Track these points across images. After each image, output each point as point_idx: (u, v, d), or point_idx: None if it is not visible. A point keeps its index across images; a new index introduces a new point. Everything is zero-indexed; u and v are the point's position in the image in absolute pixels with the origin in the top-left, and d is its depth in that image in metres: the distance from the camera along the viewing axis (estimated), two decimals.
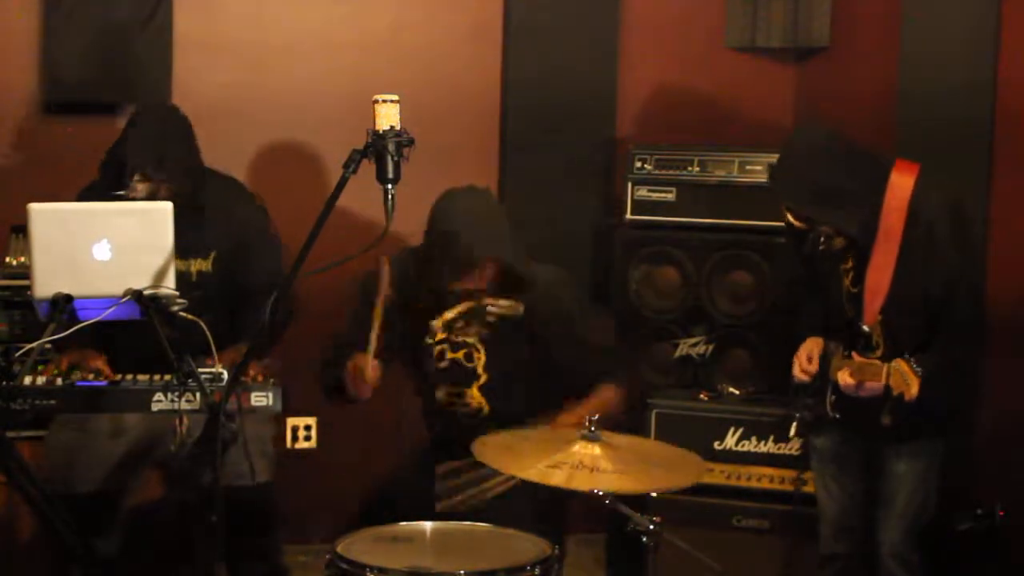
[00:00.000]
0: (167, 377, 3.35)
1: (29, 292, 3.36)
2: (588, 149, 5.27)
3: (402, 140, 2.95)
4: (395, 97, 2.97)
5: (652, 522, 3.15)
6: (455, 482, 3.77)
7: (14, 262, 4.50)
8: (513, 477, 3.50)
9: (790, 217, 3.81)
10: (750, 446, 4.53)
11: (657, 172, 4.83)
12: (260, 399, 3.38)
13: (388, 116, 2.95)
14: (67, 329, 3.24)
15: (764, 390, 4.66)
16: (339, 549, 3.17)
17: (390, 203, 2.96)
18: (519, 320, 3.78)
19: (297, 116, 5.12)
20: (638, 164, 4.84)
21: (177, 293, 3.32)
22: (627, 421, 4.46)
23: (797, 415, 3.91)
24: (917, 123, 4.57)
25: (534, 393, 3.85)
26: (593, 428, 3.26)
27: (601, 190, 5.28)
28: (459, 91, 5.24)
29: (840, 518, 4.01)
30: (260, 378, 3.45)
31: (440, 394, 3.90)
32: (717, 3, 5.44)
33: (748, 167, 4.73)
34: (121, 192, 3.76)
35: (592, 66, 5.27)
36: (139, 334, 3.31)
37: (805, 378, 3.86)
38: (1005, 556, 4.11)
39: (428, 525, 3.38)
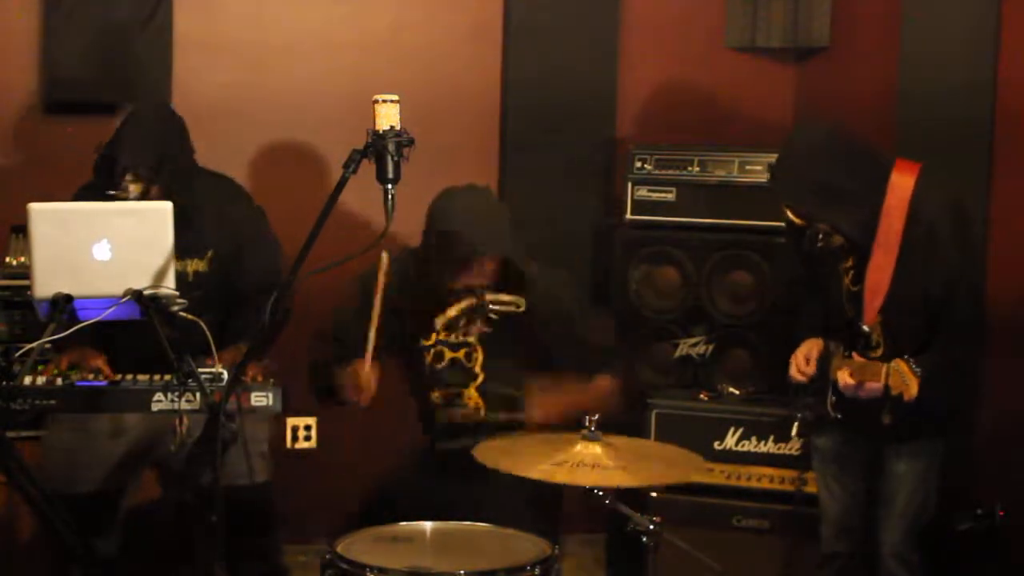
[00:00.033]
0: (167, 377, 3.35)
1: (29, 292, 3.36)
2: (588, 149, 5.27)
3: (402, 140, 2.95)
4: (395, 97, 2.97)
5: (652, 522, 3.16)
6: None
7: (14, 262, 4.50)
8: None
9: (790, 214, 3.82)
10: (750, 446, 4.53)
11: (657, 172, 4.83)
12: (260, 399, 3.38)
13: (388, 116, 2.95)
14: (67, 329, 3.23)
15: (764, 390, 4.66)
16: (339, 549, 3.17)
17: (390, 203, 2.95)
18: (519, 319, 3.77)
19: (297, 116, 5.12)
20: (638, 164, 4.84)
21: (177, 293, 3.32)
22: (627, 421, 4.49)
23: (798, 415, 3.91)
24: (917, 123, 4.57)
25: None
26: (593, 428, 3.26)
27: (601, 190, 5.28)
28: (459, 91, 5.24)
29: (842, 518, 4.01)
30: (260, 378, 3.45)
31: (436, 395, 3.90)
32: (717, 3, 5.44)
33: (748, 167, 4.73)
34: (114, 192, 3.76)
35: (592, 66, 5.27)
36: (139, 334, 3.31)
37: (802, 379, 3.86)
38: (1005, 556, 4.11)
39: (428, 525, 3.38)
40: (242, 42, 5.09)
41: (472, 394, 3.87)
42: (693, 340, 4.82)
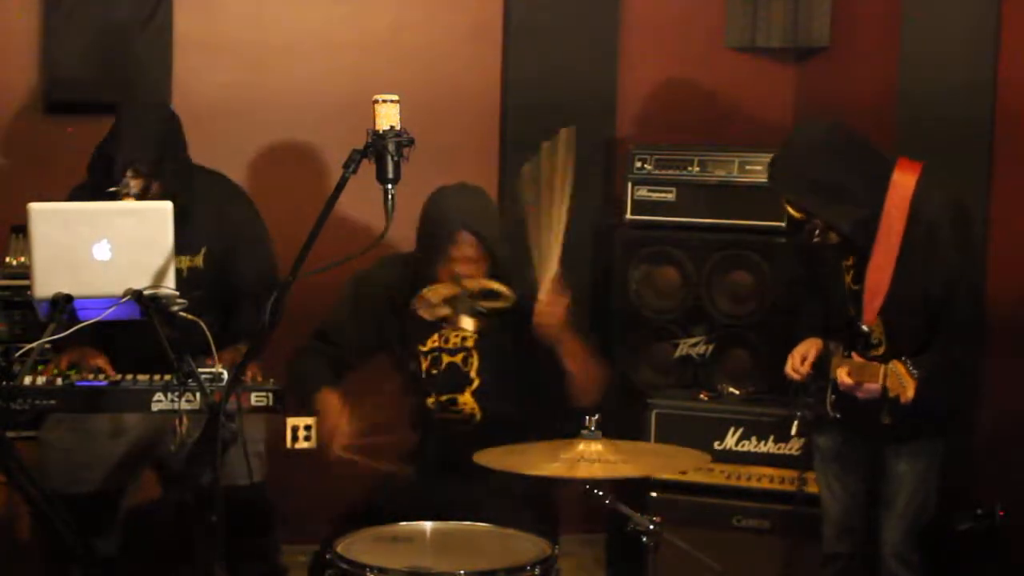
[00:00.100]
0: (167, 377, 3.35)
1: (29, 292, 3.36)
2: (588, 149, 5.25)
3: (402, 140, 2.95)
4: (395, 97, 2.97)
5: (652, 522, 3.16)
6: None
7: (14, 262, 4.50)
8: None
9: (789, 209, 3.82)
10: (750, 446, 4.53)
11: (657, 172, 4.83)
12: (260, 399, 3.38)
13: (388, 116, 2.95)
14: (67, 329, 3.23)
15: (764, 390, 4.66)
16: (339, 549, 3.18)
17: (390, 203, 2.96)
18: (514, 320, 3.77)
19: (297, 116, 5.12)
20: (638, 164, 4.84)
21: (177, 293, 3.32)
22: (627, 420, 4.49)
23: (798, 414, 3.91)
24: (917, 123, 4.57)
25: (525, 397, 3.84)
26: (593, 428, 3.26)
27: (601, 190, 5.28)
28: (459, 91, 5.24)
29: (843, 518, 4.01)
30: (260, 378, 3.45)
31: (431, 401, 3.89)
32: (717, 3, 5.44)
33: (748, 167, 4.73)
34: (114, 189, 3.76)
35: (592, 66, 5.27)
36: (139, 334, 3.31)
37: (796, 377, 3.86)
38: (1005, 556, 4.11)
39: (428, 525, 3.38)
40: (242, 42, 5.09)
41: (467, 399, 3.86)
42: (693, 340, 4.82)
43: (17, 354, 3.47)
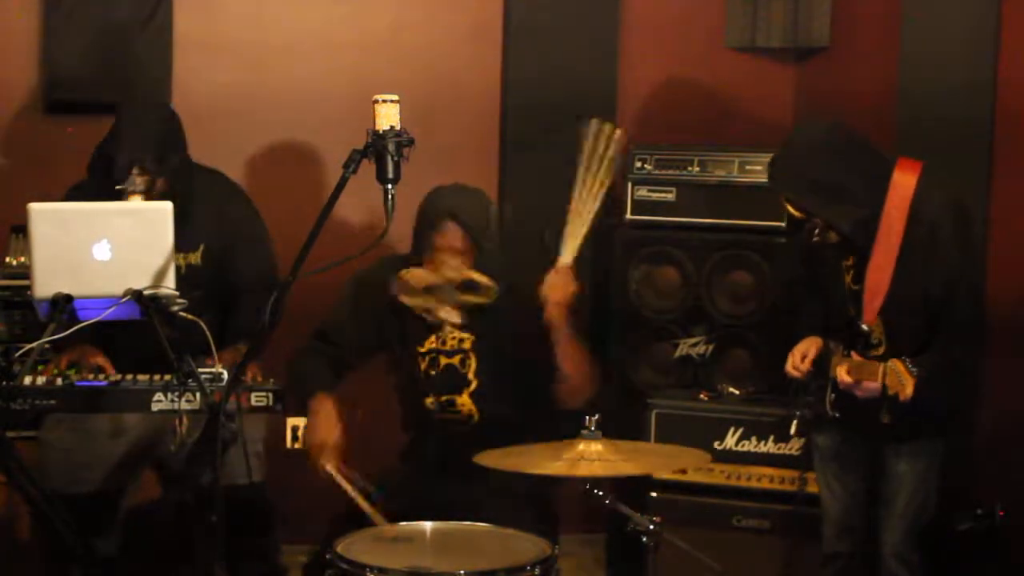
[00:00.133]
0: (167, 377, 3.35)
1: (29, 292, 3.36)
2: None
3: (402, 140, 2.95)
4: (395, 97, 2.97)
5: (652, 522, 3.16)
6: None
7: (14, 262, 4.50)
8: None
9: (789, 208, 3.82)
10: (750, 446, 4.52)
11: (657, 172, 4.83)
12: (260, 399, 3.38)
13: (388, 116, 2.95)
14: (67, 329, 3.23)
15: (764, 390, 4.65)
16: (339, 549, 3.17)
17: (390, 203, 2.96)
18: (512, 319, 3.77)
19: (297, 116, 5.12)
20: (638, 164, 4.84)
21: (177, 293, 3.32)
22: (627, 421, 4.49)
23: (797, 414, 3.91)
24: (917, 123, 4.57)
25: (522, 399, 3.84)
26: (593, 428, 3.26)
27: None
28: (459, 91, 5.24)
29: (843, 517, 4.01)
30: (260, 378, 3.45)
31: (430, 401, 3.89)
32: (717, 3, 5.44)
33: (748, 167, 4.73)
34: (119, 187, 3.76)
35: (592, 66, 5.27)
36: (139, 334, 3.31)
37: (796, 374, 3.86)
38: (1005, 556, 4.11)
39: (428, 525, 3.38)
40: (242, 42, 5.09)
41: (465, 401, 3.86)
42: (693, 340, 4.82)
43: (17, 354, 3.47)
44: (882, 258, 3.71)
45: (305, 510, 4.39)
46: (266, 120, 5.10)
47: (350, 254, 3.01)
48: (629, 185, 4.84)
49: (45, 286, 3.28)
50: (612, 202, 5.09)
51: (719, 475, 4.52)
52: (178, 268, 3.79)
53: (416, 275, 3.76)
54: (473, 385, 3.85)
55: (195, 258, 4.00)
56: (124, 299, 3.27)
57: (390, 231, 2.96)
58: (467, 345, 3.84)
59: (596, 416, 3.28)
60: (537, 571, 3.11)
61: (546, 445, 3.30)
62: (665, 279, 4.86)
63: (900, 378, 3.58)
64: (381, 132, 2.94)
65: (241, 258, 4.07)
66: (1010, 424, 4.35)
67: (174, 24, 4.94)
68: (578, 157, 3.83)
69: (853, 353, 3.75)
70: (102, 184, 3.81)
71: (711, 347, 4.79)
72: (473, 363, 3.85)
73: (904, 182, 3.72)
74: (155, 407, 3.33)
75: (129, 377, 3.45)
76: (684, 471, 4.48)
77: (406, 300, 3.78)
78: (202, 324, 3.25)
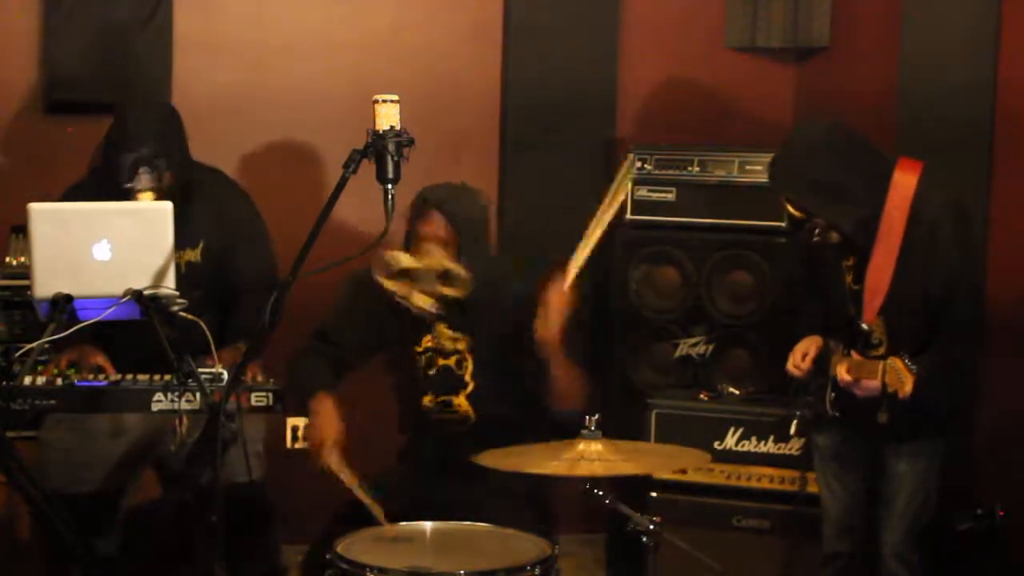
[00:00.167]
0: (167, 377, 3.35)
1: (29, 292, 3.36)
2: (588, 149, 5.27)
3: (402, 140, 2.95)
4: (395, 97, 2.97)
5: (652, 522, 3.16)
6: None
7: (14, 262, 4.50)
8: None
9: (789, 208, 3.82)
10: (750, 446, 4.52)
11: (657, 172, 4.83)
12: (260, 399, 3.38)
13: (388, 116, 2.95)
14: (67, 329, 3.23)
15: (764, 390, 4.65)
16: (339, 549, 3.17)
17: (390, 203, 2.96)
18: (509, 322, 3.76)
19: (297, 116, 5.12)
20: (638, 164, 4.83)
21: (177, 293, 3.32)
22: (627, 421, 4.49)
23: (797, 413, 3.92)
24: (917, 123, 4.57)
25: (520, 400, 3.83)
26: (593, 428, 3.26)
27: (601, 190, 5.26)
28: (459, 91, 5.24)
29: (843, 517, 4.01)
30: (260, 378, 3.45)
31: (428, 400, 3.89)
32: (717, 3, 5.44)
33: (748, 167, 4.73)
34: (128, 185, 3.76)
35: (592, 66, 5.27)
36: (139, 334, 3.31)
37: (797, 373, 3.87)
38: (1005, 556, 4.11)
39: (428, 525, 3.38)
40: (242, 42, 5.09)
41: (462, 402, 3.86)
42: (693, 340, 4.82)
43: (17, 354, 3.48)
44: (882, 258, 3.71)
45: (305, 510, 4.39)
46: (266, 120, 5.10)
47: (350, 254, 3.01)
48: (629, 185, 4.84)
49: (45, 286, 3.28)
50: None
51: (719, 475, 4.52)
52: (178, 266, 3.80)
53: (396, 256, 3.74)
54: (470, 387, 3.85)
55: (195, 255, 4.00)
56: (124, 299, 3.27)
57: (390, 231, 2.96)
58: (462, 346, 3.84)
59: (596, 416, 3.28)
60: (537, 571, 3.11)
61: (546, 445, 3.30)
62: (665, 279, 4.86)
63: (899, 375, 3.58)
64: (381, 132, 2.94)
65: (241, 257, 4.06)
66: (1010, 424, 4.35)
67: (174, 24, 4.94)
68: (609, 187, 3.91)
69: (853, 352, 3.75)
70: (103, 184, 3.81)
71: (711, 347, 4.79)
72: (469, 365, 3.84)
73: (905, 182, 3.72)
74: (155, 407, 3.33)
75: (129, 377, 3.45)
76: (684, 471, 4.48)
77: (381, 280, 3.73)
78: (202, 324, 3.25)
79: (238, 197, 4.18)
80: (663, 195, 4.82)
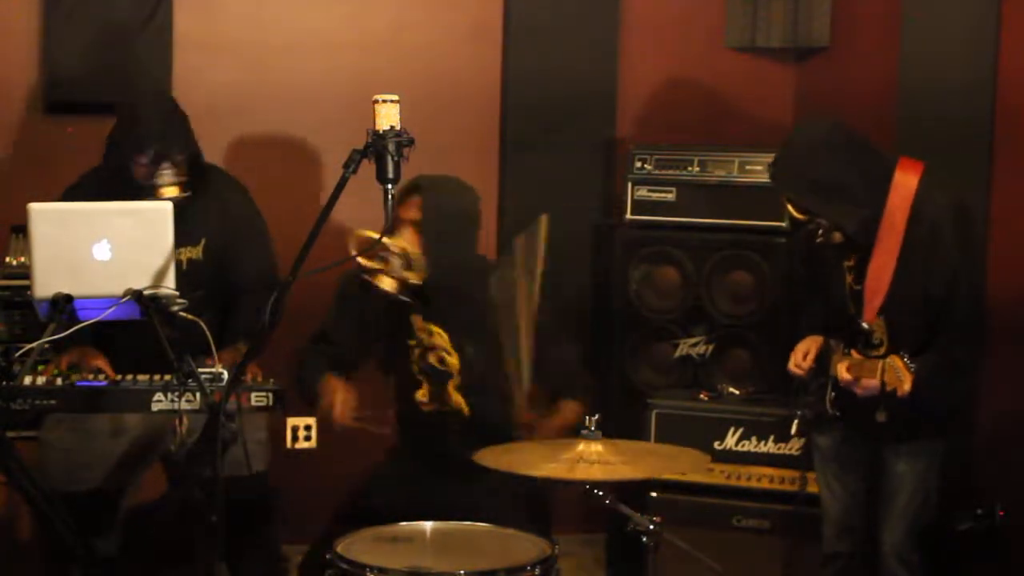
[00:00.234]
0: (167, 377, 3.35)
1: (29, 292, 3.36)
2: (588, 149, 5.27)
3: (402, 140, 2.95)
4: (395, 97, 2.97)
5: (652, 522, 3.16)
6: None
7: (14, 262, 4.50)
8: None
9: (790, 208, 3.82)
10: (750, 446, 4.52)
11: (657, 172, 4.83)
12: (260, 399, 3.38)
13: (388, 116, 2.95)
14: (67, 329, 3.24)
15: (764, 390, 4.66)
16: (339, 549, 3.17)
17: (390, 203, 2.96)
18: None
19: (297, 116, 5.12)
20: (638, 164, 4.84)
21: (177, 293, 3.32)
22: (627, 421, 4.49)
23: (798, 413, 3.92)
24: (917, 123, 4.57)
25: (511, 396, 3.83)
26: (593, 428, 3.26)
27: (601, 190, 5.28)
28: (459, 91, 5.24)
29: (843, 517, 4.01)
30: (260, 378, 3.45)
31: (421, 393, 3.88)
32: (717, 3, 5.44)
33: (748, 167, 4.73)
34: (150, 182, 3.77)
35: (592, 66, 5.27)
36: (139, 334, 3.31)
37: (799, 372, 3.87)
38: (1005, 556, 4.11)
39: (428, 525, 3.38)
40: (242, 42, 5.09)
41: (453, 394, 3.85)
42: (693, 340, 4.82)
43: (17, 354, 3.47)
44: (883, 258, 3.71)
45: (305, 510, 4.40)
46: (266, 120, 5.11)
47: (350, 254, 3.00)
48: (629, 185, 4.85)
49: (45, 286, 3.29)
50: (612, 202, 5.13)
51: (719, 475, 4.52)
52: (179, 263, 3.81)
53: (366, 232, 3.72)
54: (457, 379, 3.84)
55: (196, 253, 4.00)
56: (124, 299, 3.28)
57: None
58: (441, 340, 3.83)
59: (596, 416, 3.28)
60: (537, 571, 3.11)
61: (545, 445, 3.30)
62: (665, 279, 4.87)
63: (898, 374, 3.58)
64: (381, 132, 2.94)
65: (242, 256, 4.06)
66: (1010, 424, 4.35)
67: (174, 24, 4.94)
68: (529, 263, 3.72)
69: (854, 352, 3.75)
70: (106, 183, 3.81)
71: (711, 347, 4.80)
72: (452, 358, 3.84)
73: (906, 182, 3.72)
74: (155, 407, 3.34)
75: (129, 377, 3.46)
76: (684, 472, 4.48)
77: (353, 252, 3.72)
78: (202, 324, 3.25)
79: (239, 194, 4.18)
80: (663, 195, 4.83)
